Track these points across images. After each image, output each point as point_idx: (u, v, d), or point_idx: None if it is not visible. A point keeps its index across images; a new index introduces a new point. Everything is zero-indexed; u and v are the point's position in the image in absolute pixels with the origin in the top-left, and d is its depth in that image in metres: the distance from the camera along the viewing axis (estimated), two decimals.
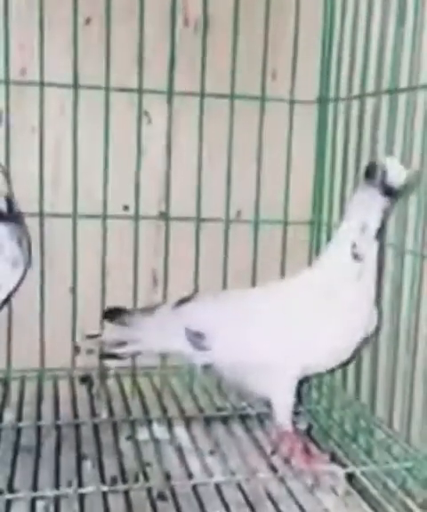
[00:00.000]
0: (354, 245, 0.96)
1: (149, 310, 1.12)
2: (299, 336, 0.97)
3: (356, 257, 0.96)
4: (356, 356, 1.11)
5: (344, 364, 1.14)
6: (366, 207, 0.95)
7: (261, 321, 1.00)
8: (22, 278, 1.13)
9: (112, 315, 1.14)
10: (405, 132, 1.05)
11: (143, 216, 1.29)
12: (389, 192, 0.93)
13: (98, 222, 1.26)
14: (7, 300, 1.15)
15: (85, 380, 1.27)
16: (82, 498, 0.86)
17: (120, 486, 0.88)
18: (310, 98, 1.33)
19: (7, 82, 1.19)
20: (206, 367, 1.08)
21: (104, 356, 1.19)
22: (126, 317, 1.12)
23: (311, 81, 1.32)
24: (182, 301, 1.10)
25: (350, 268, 0.97)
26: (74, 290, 1.27)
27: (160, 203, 1.31)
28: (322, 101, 1.33)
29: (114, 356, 1.16)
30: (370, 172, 0.94)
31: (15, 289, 1.13)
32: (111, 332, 1.14)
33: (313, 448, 1.04)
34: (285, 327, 0.98)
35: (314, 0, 1.30)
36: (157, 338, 1.08)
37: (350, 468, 0.97)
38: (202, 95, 1.27)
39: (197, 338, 1.02)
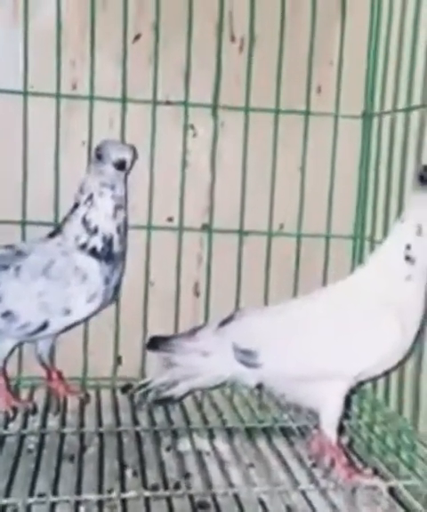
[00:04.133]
0: (408, 247, 0.96)
1: (192, 334, 1.09)
2: (353, 343, 0.95)
3: (408, 258, 0.96)
4: (409, 356, 1.07)
5: (387, 373, 1.13)
6: (423, 209, 0.95)
7: (312, 331, 0.98)
8: (94, 313, 1.16)
9: (154, 344, 1.09)
10: None
11: (187, 228, 1.31)
12: None
13: (142, 233, 1.29)
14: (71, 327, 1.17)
15: (126, 389, 1.28)
16: (124, 503, 0.87)
17: (162, 492, 0.88)
18: (356, 112, 1.33)
19: (58, 95, 1.23)
20: (259, 387, 1.06)
21: (158, 402, 1.12)
22: (169, 344, 1.07)
23: (356, 95, 1.33)
24: (226, 321, 1.07)
25: (401, 270, 0.96)
26: (117, 300, 1.29)
27: (204, 215, 1.32)
28: (367, 116, 1.33)
29: (169, 400, 1.11)
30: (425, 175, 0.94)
31: (81, 321, 1.17)
32: (159, 375, 1.10)
33: (356, 462, 1.03)
34: (338, 335, 0.96)
35: (360, 15, 1.32)
36: (205, 362, 1.04)
37: (393, 482, 0.95)
38: (247, 109, 1.29)
39: (247, 356, 1.00)
